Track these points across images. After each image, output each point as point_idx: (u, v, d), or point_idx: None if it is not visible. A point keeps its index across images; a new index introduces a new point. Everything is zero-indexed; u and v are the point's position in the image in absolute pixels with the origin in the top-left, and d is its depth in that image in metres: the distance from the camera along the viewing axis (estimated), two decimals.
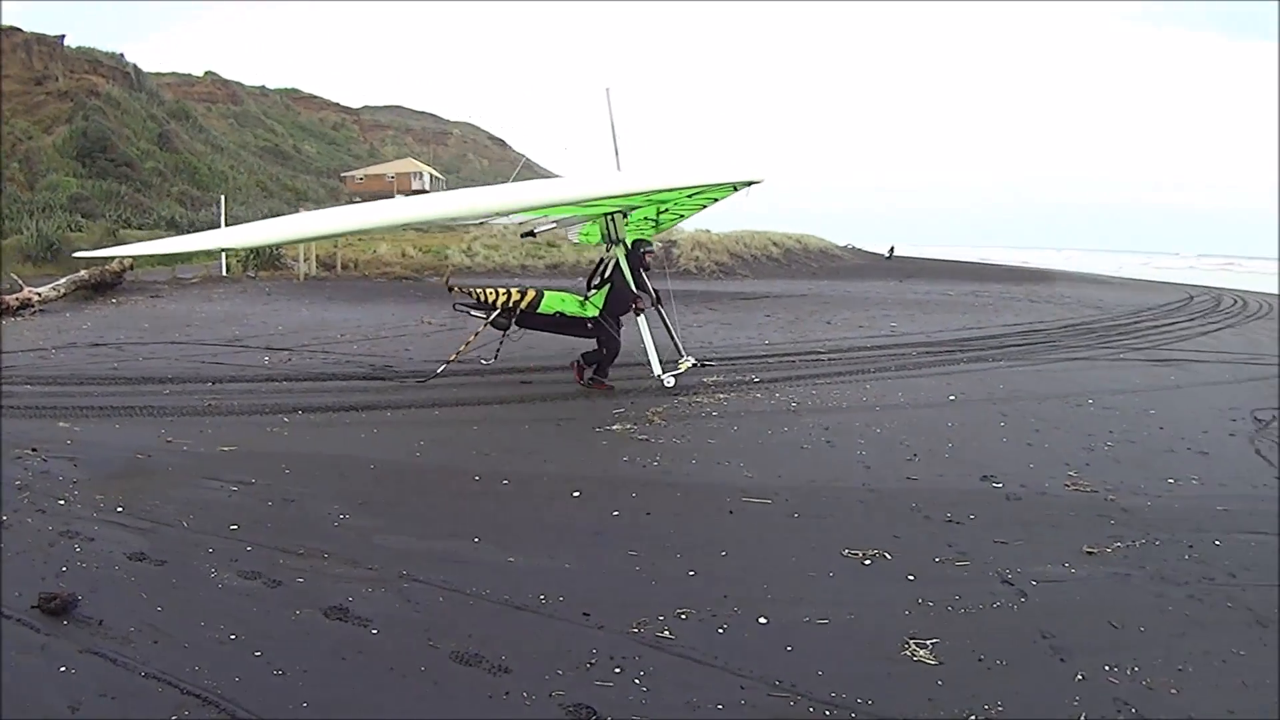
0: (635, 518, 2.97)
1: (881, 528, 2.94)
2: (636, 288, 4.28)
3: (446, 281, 4.89)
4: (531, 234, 4.95)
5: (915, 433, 4.24)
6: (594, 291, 4.49)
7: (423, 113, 52.31)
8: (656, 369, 4.58)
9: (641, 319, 4.59)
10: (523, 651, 1.99)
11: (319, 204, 22.31)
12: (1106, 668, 2.03)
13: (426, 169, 32.60)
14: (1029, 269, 20.74)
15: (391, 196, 19.16)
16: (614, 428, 4.08)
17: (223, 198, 13.97)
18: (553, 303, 4.41)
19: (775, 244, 16.84)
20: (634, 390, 4.91)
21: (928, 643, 2.12)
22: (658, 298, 4.84)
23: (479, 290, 4.46)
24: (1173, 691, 1.91)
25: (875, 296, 11.93)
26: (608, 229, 4.29)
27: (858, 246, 21.40)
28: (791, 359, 6.14)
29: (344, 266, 12.21)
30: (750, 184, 4.00)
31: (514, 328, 4.55)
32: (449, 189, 15.94)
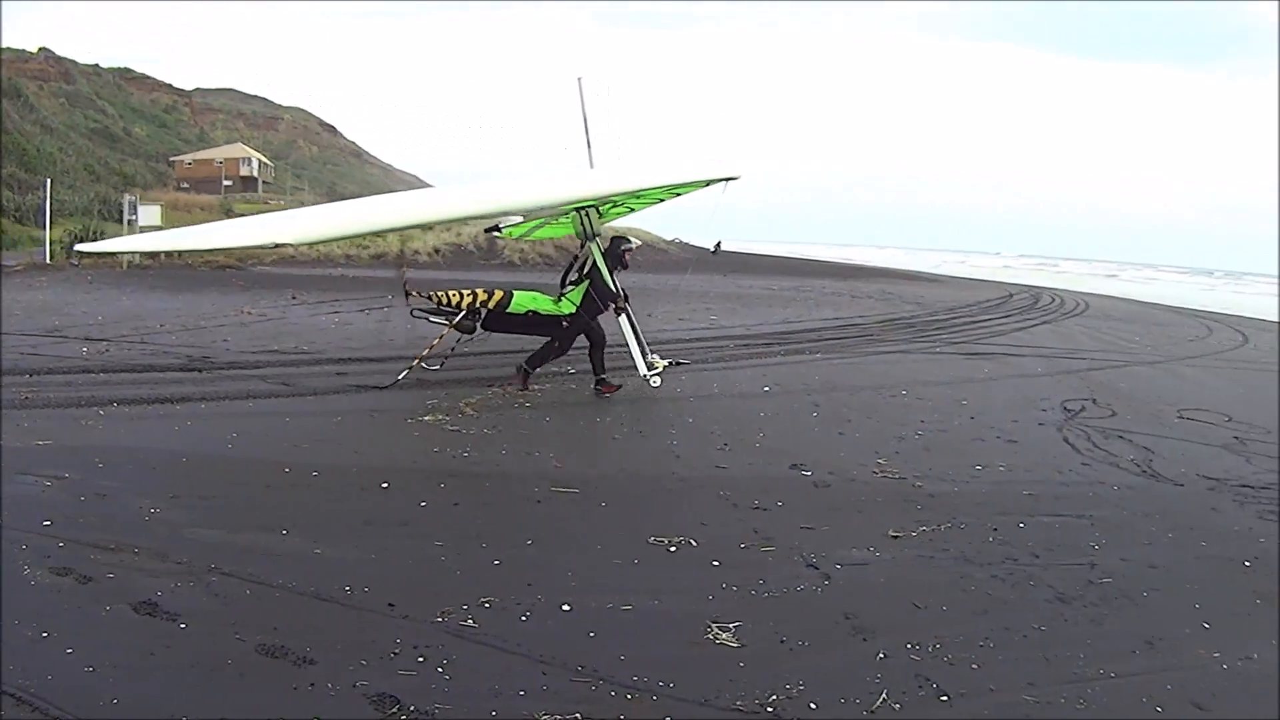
0: (443, 508, 8.13)
1: (689, 515, 8.19)
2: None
3: (404, 286, 11.98)
4: (496, 229, 11.26)
5: (728, 423, 11.85)
6: (570, 288, 11.35)
7: (255, 96, 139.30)
8: (642, 369, 12.05)
9: (623, 318, 12.05)
10: (327, 643, 5.45)
11: (145, 189, 62.10)
12: (908, 645, 5.93)
13: (256, 155, 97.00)
14: (852, 265, 61.21)
15: (219, 182, 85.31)
16: (426, 419, 11.10)
17: (49, 181, 36.58)
18: (524, 301, 10.78)
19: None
20: (449, 381, 13.13)
21: (730, 626, 6.00)
22: (625, 296, 12.48)
23: (440, 293, 10.87)
24: (974, 666, 5.72)
25: (698, 290, 31.47)
26: (583, 225, 11.26)
27: (685, 241, 49.73)
28: (609, 350, 13.60)
29: (167, 254, 31.06)
30: (727, 180, 11.15)
31: (479, 330, 11.56)
32: (275, 175, 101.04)
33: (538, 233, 16.37)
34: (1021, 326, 26.41)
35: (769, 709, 5.05)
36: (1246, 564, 8.00)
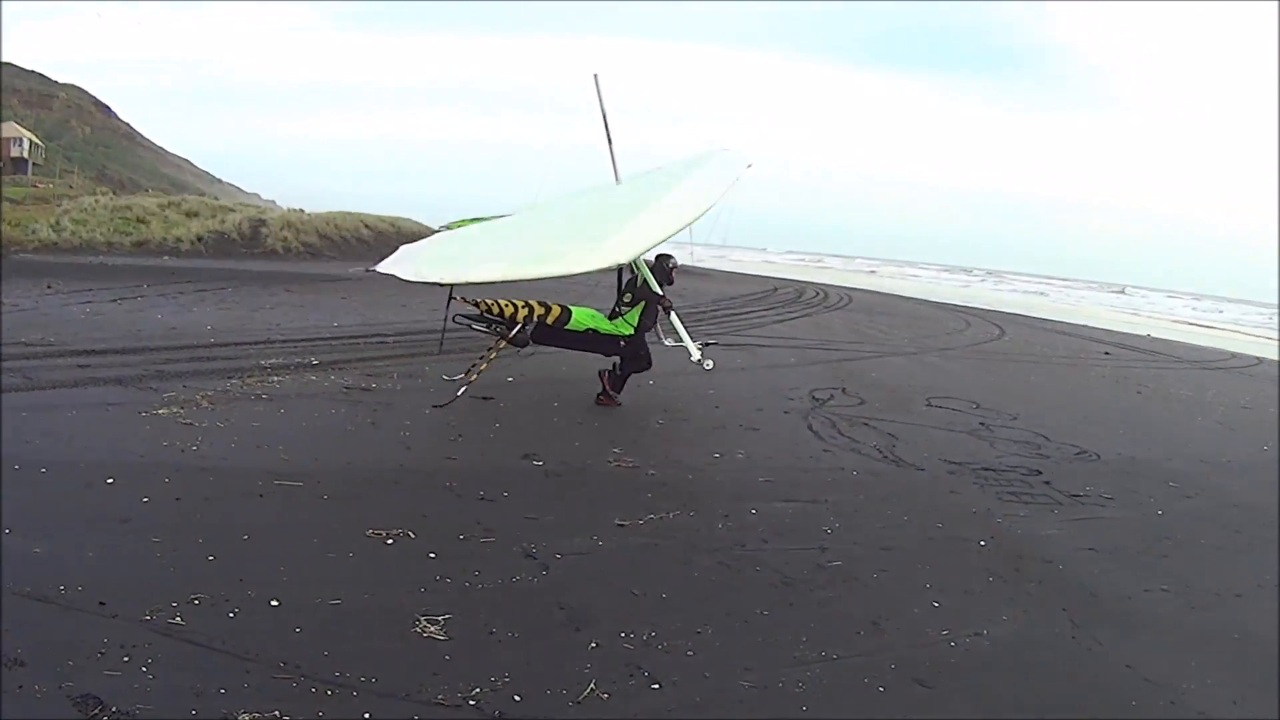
0: (165, 504, 7.78)
1: (412, 507, 8.11)
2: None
3: (450, 291, 11.53)
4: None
5: (466, 414, 11.70)
6: (626, 309, 11.77)
7: (31, 72, 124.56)
8: (695, 354, 12.00)
9: (673, 315, 12.27)
10: (39, 643, 5.28)
11: None
12: (622, 635, 6.06)
13: (28, 134, 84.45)
14: None
15: None
16: (160, 411, 10.68)
17: None
18: (584, 319, 11.39)
19: (367, 226, 41.86)
20: (191, 374, 12.77)
21: (439, 618, 6.03)
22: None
23: (489, 302, 11.38)
24: (689, 654, 5.89)
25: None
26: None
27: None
28: (356, 341, 15.89)
29: None
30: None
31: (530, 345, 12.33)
32: (46, 157, 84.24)
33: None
34: (783, 319, 27.51)
35: (471, 702, 5.04)
36: (982, 543, 8.35)
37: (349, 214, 42.77)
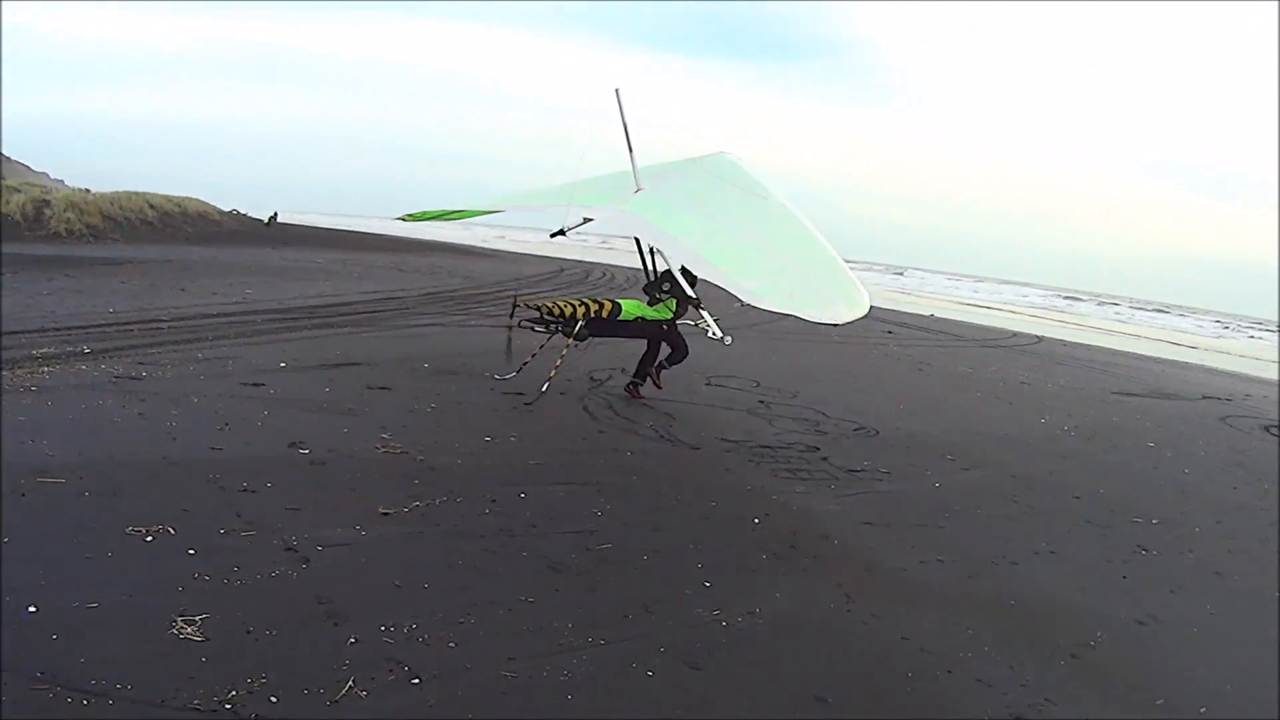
0: None
1: (173, 502, 7.53)
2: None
3: (515, 300, 13.34)
4: (562, 233, 12.98)
5: (234, 401, 10.90)
6: (665, 295, 13.03)
7: None
8: (717, 332, 11.65)
9: (702, 309, 12.38)
10: None
11: None
12: (383, 628, 5.82)
13: None
14: (407, 239, 59.06)
15: None
16: None
17: None
18: (632, 309, 13.08)
19: (152, 206, 40.96)
20: None
21: (196, 618, 5.63)
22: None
23: (547, 304, 13.15)
24: (451, 645, 5.70)
25: (242, 263, 30.10)
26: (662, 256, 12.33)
27: (241, 212, 51.84)
28: (130, 327, 14.93)
29: None
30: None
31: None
32: None
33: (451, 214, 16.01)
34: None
35: (228, 705, 4.85)
36: (756, 521, 8.43)
37: (135, 194, 41.22)
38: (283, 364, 13.26)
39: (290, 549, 6.82)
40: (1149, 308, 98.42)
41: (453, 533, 7.50)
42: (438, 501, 8.15)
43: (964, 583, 7.73)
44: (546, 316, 13.11)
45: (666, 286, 13.43)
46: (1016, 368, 23.85)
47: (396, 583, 6.47)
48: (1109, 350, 36.70)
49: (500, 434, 10.64)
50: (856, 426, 12.80)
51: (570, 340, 13.22)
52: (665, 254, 12.30)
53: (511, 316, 13.17)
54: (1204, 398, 23.97)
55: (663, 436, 11.11)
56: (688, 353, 13.76)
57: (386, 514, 7.72)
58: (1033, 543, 9.07)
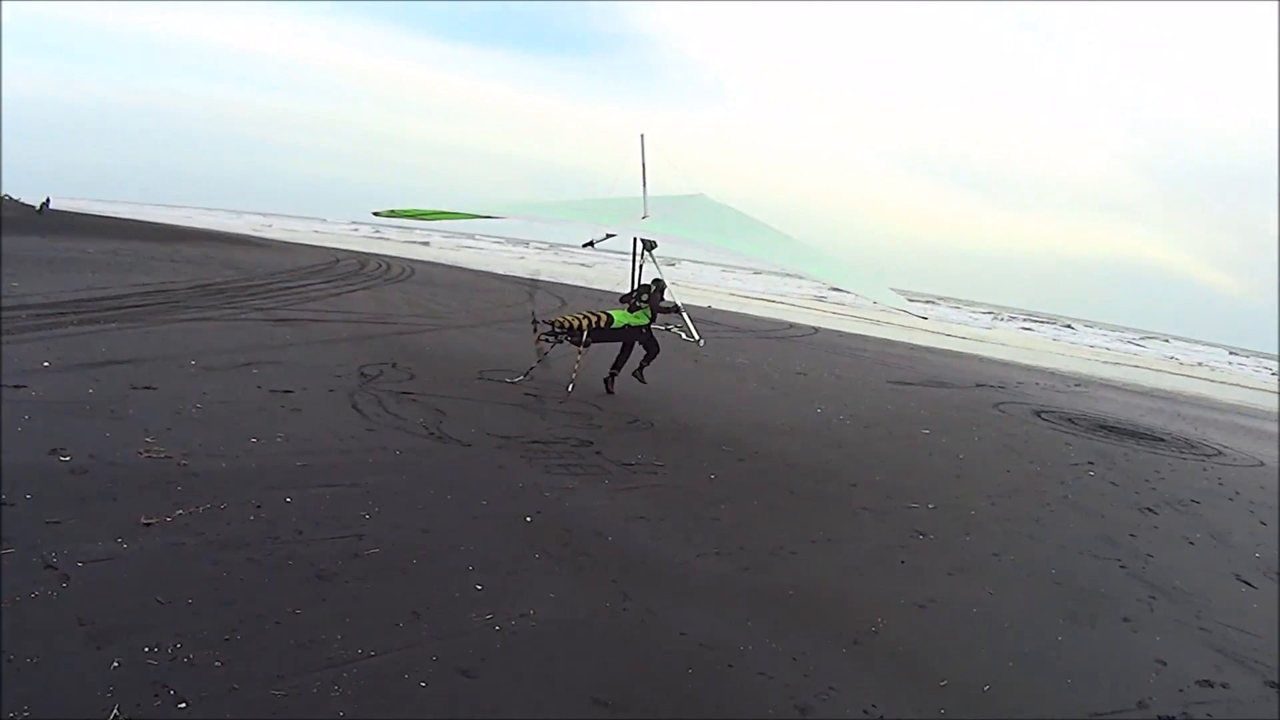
0: None
1: None
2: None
3: (534, 319, 16.26)
4: (591, 244, 16.29)
5: None
6: (643, 304, 16.27)
7: None
8: (695, 335, 15.86)
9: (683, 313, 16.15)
10: None
11: None
12: (146, 649, 5.47)
13: None
14: (179, 228, 67.64)
15: None
16: None
17: None
18: (621, 319, 16.20)
19: None
20: None
21: None
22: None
23: (562, 320, 15.99)
24: (218, 664, 5.40)
25: (10, 253, 28.16)
26: (655, 264, 16.34)
27: (14, 198, 65.74)
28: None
29: None
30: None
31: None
32: None
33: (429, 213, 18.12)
34: (341, 292, 27.37)
35: None
36: (529, 519, 8.37)
37: None
38: (46, 363, 12.56)
39: (50, 566, 6.43)
40: (922, 299, 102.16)
41: (217, 543, 7.17)
42: (201, 509, 7.79)
43: (742, 574, 7.80)
44: (559, 330, 15.70)
45: (645, 298, 16.25)
46: (793, 359, 24.76)
47: (160, 599, 6.13)
48: (884, 340, 38.27)
49: (267, 435, 10.26)
50: (631, 419, 12.96)
51: (579, 347, 15.52)
52: (684, 255, 16.49)
53: (535, 331, 15.84)
54: (977, 385, 25.50)
55: (433, 434, 10.96)
56: (659, 350, 16.57)
57: (149, 524, 7.33)
58: (810, 531, 9.26)
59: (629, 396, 14.73)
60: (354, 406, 12.09)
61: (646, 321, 16.48)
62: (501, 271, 48.40)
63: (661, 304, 16.47)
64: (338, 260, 41.06)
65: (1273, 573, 10.96)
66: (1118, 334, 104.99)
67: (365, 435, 10.75)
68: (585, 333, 15.87)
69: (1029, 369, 36.38)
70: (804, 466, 11.86)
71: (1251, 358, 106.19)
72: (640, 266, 16.89)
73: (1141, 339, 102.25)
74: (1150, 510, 12.99)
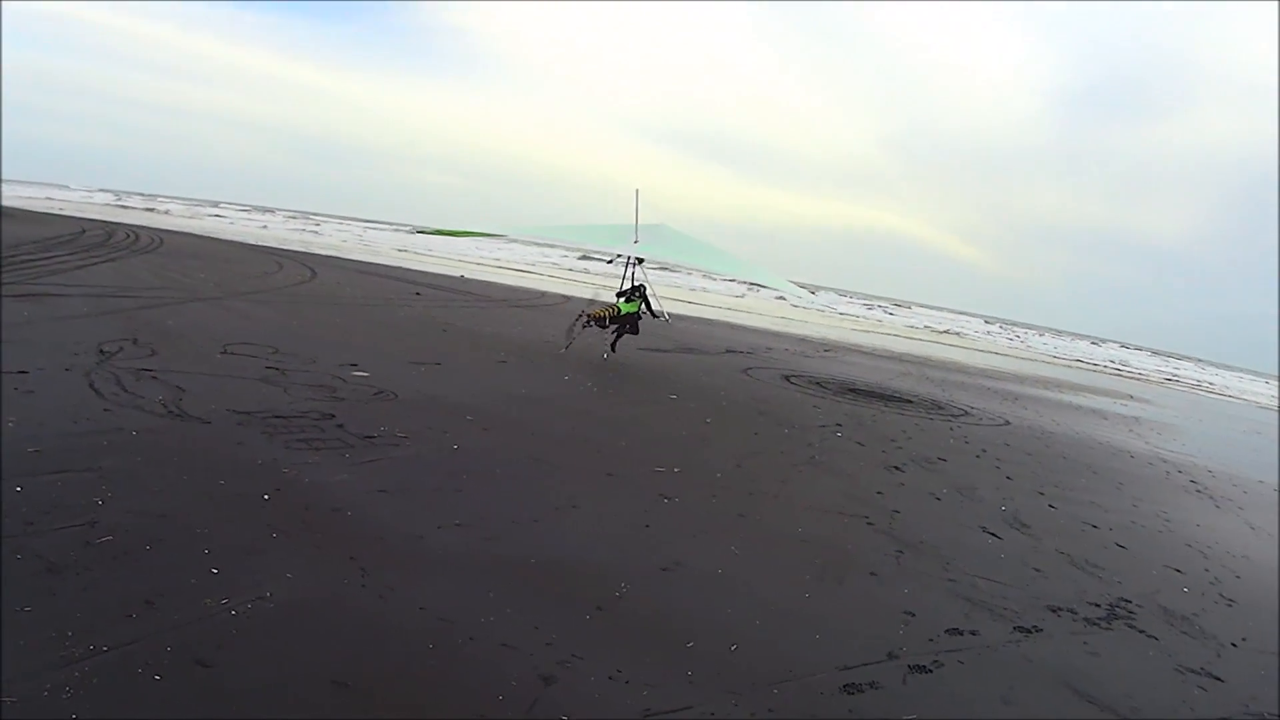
0: None
1: None
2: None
3: (583, 312, 23.86)
4: (610, 261, 24.58)
5: None
6: (633, 298, 23.59)
7: None
8: (662, 311, 24.13)
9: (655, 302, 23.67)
10: None
11: None
12: None
13: None
14: None
15: None
16: None
17: None
18: (624, 309, 23.08)
19: None
20: None
21: None
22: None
23: (594, 312, 23.44)
24: None
25: None
26: (640, 269, 23.77)
27: None
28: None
29: None
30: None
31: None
32: None
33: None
34: (86, 265, 25.24)
35: None
36: (267, 497, 8.16)
37: None
38: None
39: None
40: (681, 270, 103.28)
41: None
42: None
43: (484, 545, 7.79)
44: (592, 320, 21.88)
45: (637, 294, 21.87)
46: (543, 327, 24.80)
47: None
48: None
49: None
50: (376, 391, 12.73)
51: (608, 329, 21.86)
52: (657, 268, 22.33)
53: (578, 320, 22.13)
54: (727, 351, 26.30)
55: (172, 412, 10.51)
56: (638, 330, 22.30)
57: None
58: (554, 499, 9.32)
59: (374, 370, 14.41)
60: (91, 386, 11.43)
61: (636, 309, 22.22)
62: (252, 241, 46.92)
63: (644, 299, 22.29)
64: (84, 230, 38.04)
65: (1018, 523, 11.57)
66: (868, 302, 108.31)
67: (102, 416, 10.14)
68: (607, 319, 22.16)
69: (779, 335, 37.35)
70: (549, 435, 11.91)
71: (1004, 326, 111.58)
72: (631, 273, 22.66)
73: (894, 307, 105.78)
74: (897, 469, 13.57)
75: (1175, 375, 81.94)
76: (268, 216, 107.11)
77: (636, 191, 23.06)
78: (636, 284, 22.94)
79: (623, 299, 22.47)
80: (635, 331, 22.70)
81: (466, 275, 42.36)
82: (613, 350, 22.33)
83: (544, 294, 37.47)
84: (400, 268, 41.62)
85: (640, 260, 22.77)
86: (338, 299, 24.13)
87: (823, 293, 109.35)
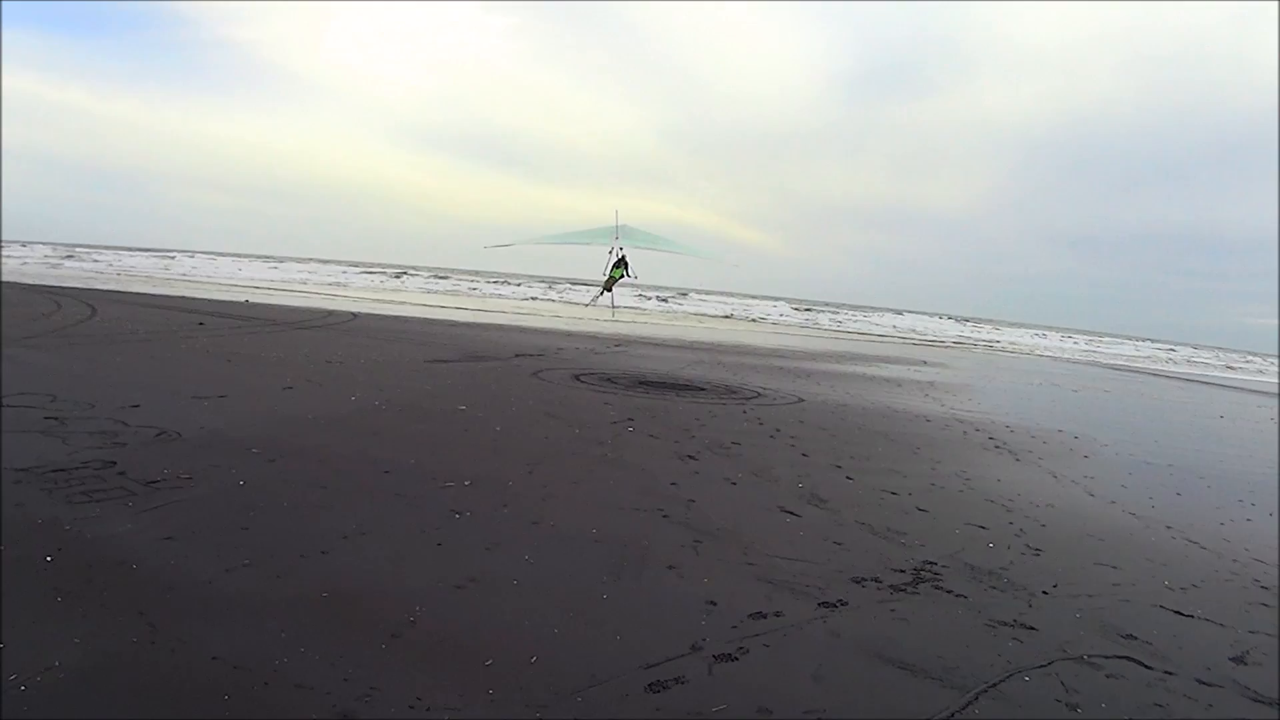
0: None
1: None
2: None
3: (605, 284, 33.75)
4: (610, 251, 33.79)
5: None
6: (619, 267, 34.12)
7: None
8: (636, 274, 34.39)
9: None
10: None
11: None
12: None
13: None
14: None
15: None
16: None
17: None
18: (614, 275, 33.58)
19: None
20: None
21: None
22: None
23: (607, 279, 33.59)
24: None
25: None
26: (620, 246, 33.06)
27: None
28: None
29: None
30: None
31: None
32: None
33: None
34: None
35: None
36: (49, 559, 7.70)
37: None
38: None
39: None
40: (488, 280, 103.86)
41: None
42: None
43: (273, 583, 7.53)
44: (603, 290, 29.24)
45: (619, 265, 28.16)
46: (331, 347, 24.33)
47: None
48: (426, 320, 39.09)
49: None
50: (158, 432, 12.18)
51: (608, 291, 29.95)
52: (638, 250, 28.90)
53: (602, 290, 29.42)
54: (516, 356, 26.27)
55: None
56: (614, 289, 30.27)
57: None
58: (343, 527, 9.07)
59: (156, 409, 13.74)
60: None
61: (620, 276, 29.67)
62: (29, 280, 45.04)
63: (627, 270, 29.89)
64: None
65: (816, 499, 11.76)
66: (656, 291, 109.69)
67: None
68: (610, 284, 29.78)
69: (569, 335, 37.67)
70: (336, 459, 11.68)
71: (798, 307, 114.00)
72: (615, 255, 29.60)
73: (677, 297, 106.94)
74: (691, 457, 13.66)
75: (967, 338, 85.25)
76: (40, 251, 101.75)
77: (616, 211, 30.30)
78: (623, 259, 29.95)
79: (614, 268, 29.76)
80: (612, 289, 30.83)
81: (250, 300, 41.32)
82: (613, 307, 32.42)
83: (331, 313, 36.95)
84: (184, 297, 40.54)
85: (623, 249, 30.05)
86: (119, 336, 23.22)
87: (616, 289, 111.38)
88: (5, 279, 46.27)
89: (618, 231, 29.57)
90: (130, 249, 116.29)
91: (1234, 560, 10.91)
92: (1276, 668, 7.73)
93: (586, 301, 32.84)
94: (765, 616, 7.68)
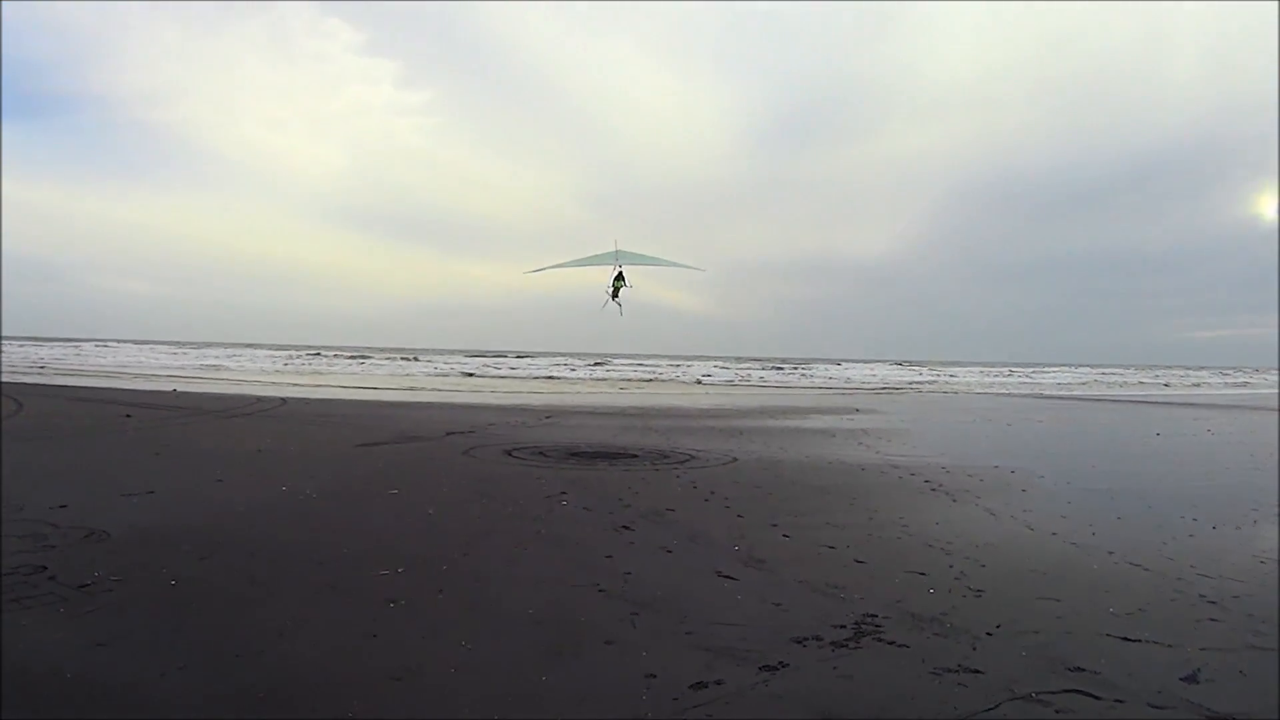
0: None
1: None
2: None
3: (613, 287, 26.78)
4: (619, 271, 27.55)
5: None
6: (619, 279, 26.53)
7: None
8: (631, 283, 26.85)
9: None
10: None
11: None
12: None
13: None
14: None
15: None
16: None
17: None
18: (617, 285, 26.52)
19: None
20: None
21: None
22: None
23: (614, 289, 26.13)
24: None
25: None
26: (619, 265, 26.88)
27: None
28: None
29: None
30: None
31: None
32: None
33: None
34: None
35: None
36: None
37: None
38: None
39: None
40: (400, 356, 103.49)
41: None
42: None
43: (209, 686, 7.40)
44: (611, 297, 24.59)
45: (619, 279, 24.73)
46: (261, 435, 24.22)
47: None
48: (356, 403, 39.01)
49: None
50: (87, 533, 11.96)
51: (614, 299, 25.08)
52: (635, 266, 25.31)
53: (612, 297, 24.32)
54: (448, 434, 26.16)
55: None
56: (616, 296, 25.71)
57: None
58: (277, 623, 8.93)
59: (83, 508, 13.49)
60: None
61: (620, 286, 25.57)
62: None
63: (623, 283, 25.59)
64: None
65: (753, 560, 11.75)
66: (569, 363, 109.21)
67: None
68: (614, 292, 25.32)
69: (501, 409, 37.63)
70: (269, 552, 11.53)
71: (725, 365, 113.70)
72: (615, 270, 25.80)
73: (606, 360, 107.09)
74: (626, 528, 13.62)
75: (902, 381, 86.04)
76: None
77: (615, 240, 27.64)
78: (621, 275, 26.94)
79: (615, 280, 26.67)
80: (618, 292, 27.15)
81: (178, 389, 41.06)
82: (619, 310, 27.25)
83: (259, 399, 36.68)
84: (111, 388, 40.50)
85: (621, 266, 26.84)
86: (47, 432, 23.03)
87: (540, 359, 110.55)
88: None
89: (617, 255, 28.00)
90: (48, 339, 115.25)
91: (1178, 579, 11.08)
92: (1229, 682, 7.83)
93: (601, 306, 28.27)
94: (706, 686, 7.61)
